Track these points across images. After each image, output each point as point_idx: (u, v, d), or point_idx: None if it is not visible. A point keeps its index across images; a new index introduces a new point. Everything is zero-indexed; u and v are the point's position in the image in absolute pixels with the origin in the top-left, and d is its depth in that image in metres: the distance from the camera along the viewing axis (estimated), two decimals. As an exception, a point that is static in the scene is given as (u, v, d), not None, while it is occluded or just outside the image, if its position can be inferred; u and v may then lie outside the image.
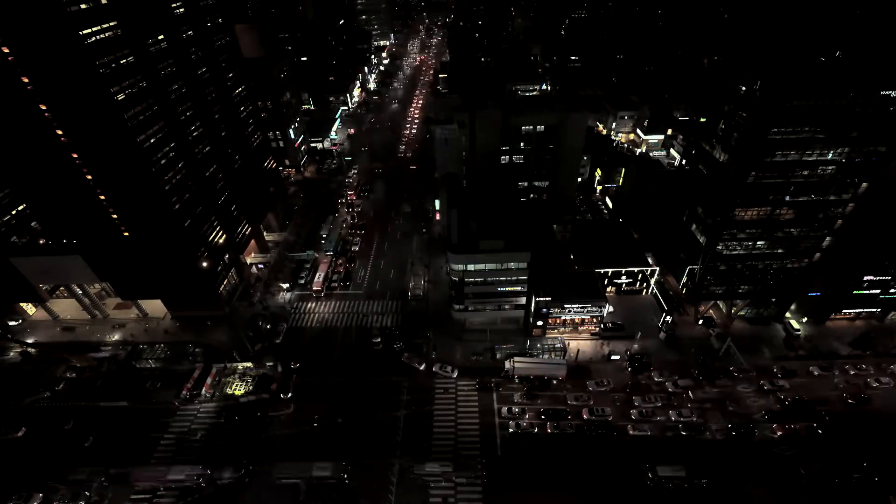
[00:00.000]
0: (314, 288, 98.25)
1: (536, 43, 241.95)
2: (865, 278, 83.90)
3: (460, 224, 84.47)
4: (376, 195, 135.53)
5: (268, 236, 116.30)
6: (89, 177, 72.54)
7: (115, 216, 77.14)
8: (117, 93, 66.49)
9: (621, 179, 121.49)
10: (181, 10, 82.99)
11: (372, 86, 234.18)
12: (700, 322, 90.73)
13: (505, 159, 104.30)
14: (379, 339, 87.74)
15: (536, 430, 72.52)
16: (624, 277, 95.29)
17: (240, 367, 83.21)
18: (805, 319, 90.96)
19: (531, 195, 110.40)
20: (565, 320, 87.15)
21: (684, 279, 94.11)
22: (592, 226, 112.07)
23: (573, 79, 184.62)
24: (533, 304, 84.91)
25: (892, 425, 72.01)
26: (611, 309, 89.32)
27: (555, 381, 79.75)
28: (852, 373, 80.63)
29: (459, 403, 76.89)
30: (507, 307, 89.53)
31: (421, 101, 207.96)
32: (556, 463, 68.15)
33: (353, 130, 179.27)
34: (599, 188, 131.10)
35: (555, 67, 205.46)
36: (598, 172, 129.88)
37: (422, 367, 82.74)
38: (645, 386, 79.30)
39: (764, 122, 68.17)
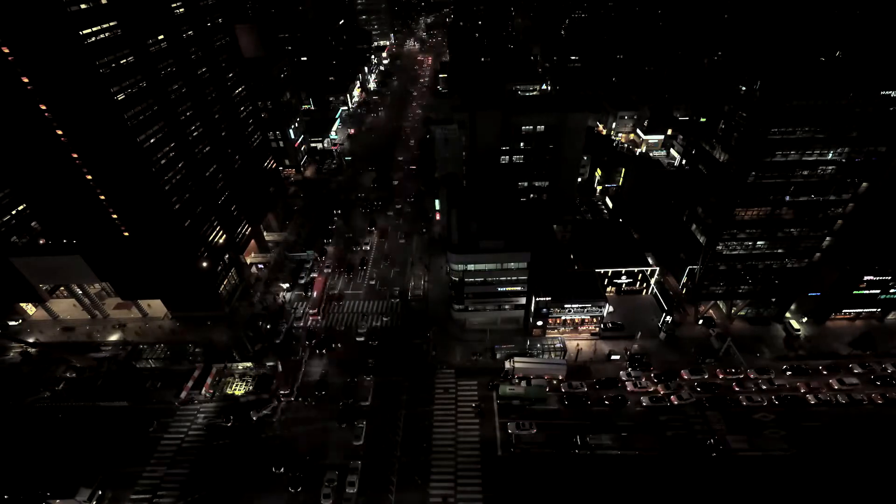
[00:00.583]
0: (310, 311, 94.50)
1: (536, 43, 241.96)
2: (865, 278, 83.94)
3: (460, 224, 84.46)
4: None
5: (268, 236, 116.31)
6: (89, 177, 72.56)
7: (115, 216, 77.15)
8: (117, 93, 66.49)
9: (621, 179, 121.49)
10: (181, 10, 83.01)
11: (372, 86, 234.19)
12: (700, 322, 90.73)
13: (505, 159, 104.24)
14: (363, 336, 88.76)
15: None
16: (624, 277, 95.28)
17: (240, 367, 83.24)
18: (805, 319, 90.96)
19: (531, 195, 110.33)
20: (565, 320, 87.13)
21: (684, 279, 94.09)
22: (592, 226, 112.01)
23: (573, 79, 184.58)
24: (533, 304, 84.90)
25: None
26: (611, 309, 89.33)
27: (555, 382, 79.88)
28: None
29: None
30: (507, 307, 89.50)
31: (422, 101, 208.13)
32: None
33: (353, 130, 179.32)
34: (599, 188, 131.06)
35: (555, 67, 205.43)
36: (598, 172, 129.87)
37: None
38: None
39: (764, 122, 68.16)
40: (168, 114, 78.17)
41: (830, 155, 71.06)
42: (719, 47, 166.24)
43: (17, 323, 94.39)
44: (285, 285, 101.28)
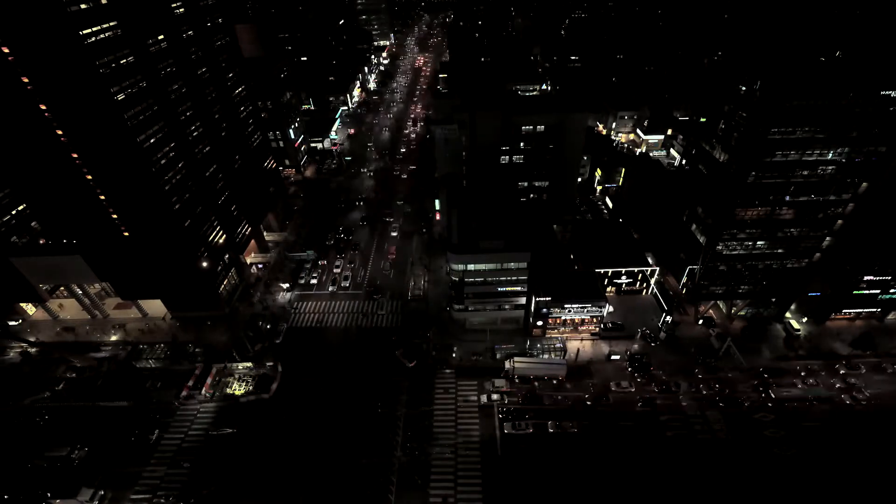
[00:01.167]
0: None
1: (536, 43, 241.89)
2: (865, 278, 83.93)
3: (460, 224, 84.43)
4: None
5: (268, 236, 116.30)
6: (89, 177, 72.55)
7: (115, 216, 77.14)
8: (117, 93, 66.49)
9: (621, 179, 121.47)
10: (181, 10, 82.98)
11: (372, 86, 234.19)
12: (700, 322, 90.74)
13: (505, 159, 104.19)
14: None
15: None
16: (624, 277, 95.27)
17: (240, 367, 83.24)
18: (805, 319, 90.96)
19: (531, 195, 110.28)
20: (565, 320, 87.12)
21: (684, 279, 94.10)
22: (592, 226, 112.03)
23: (573, 79, 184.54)
24: (533, 304, 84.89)
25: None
26: (611, 309, 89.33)
27: (555, 381, 79.86)
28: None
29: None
30: (507, 307, 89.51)
31: (421, 101, 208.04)
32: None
33: (353, 130, 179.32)
34: (599, 188, 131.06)
35: (555, 67, 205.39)
36: (598, 172, 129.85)
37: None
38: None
39: (764, 122, 68.14)
40: (168, 114, 78.15)
41: (830, 155, 71.03)
42: (719, 47, 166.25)
43: (17, 323, 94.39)
44: (285, 285, 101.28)
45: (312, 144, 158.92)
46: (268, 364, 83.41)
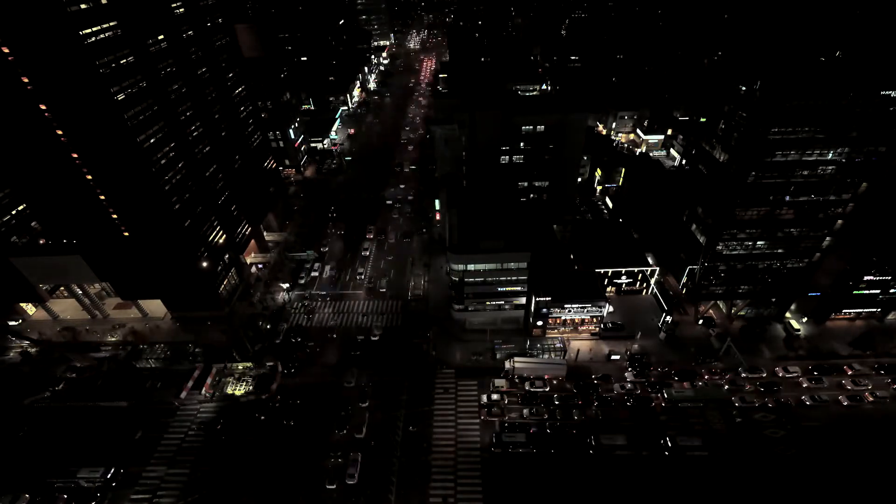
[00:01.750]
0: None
1: (536, 43, 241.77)
2: (865, 278, 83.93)
3: (460, 224, 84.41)
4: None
5: (268, 236, 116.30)
6: (89, 177, 72.56)
7: (115, 216, 77.16)
8: (117, 93, 66.49)
9: (621, 179, 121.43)
10: (181, 10, 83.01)
11: (372, 86, 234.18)
12: (700, 322, 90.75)
13: (505, 159, 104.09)
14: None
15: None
16: (624, 277, 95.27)
17: (240, 367, 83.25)
18: (805, 319, 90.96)
19: (531, 195, 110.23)
20: (565, 320, 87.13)
21: (684, 279, 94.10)
22: (592, 226, 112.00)
23: (573, 79, 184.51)
24: (533, 304, 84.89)
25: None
26: (611, 309, 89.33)
27: (555, 381, 79.86)
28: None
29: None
30: (507, 307, 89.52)
31: (421, 101, 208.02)
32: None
33: (353, 130, 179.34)
34: (599, 188, 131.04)
35: (555, 67, 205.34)
36: (598, 172, 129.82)
37: None
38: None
39: (764, 122, 68.17)
40: (168, 114, 78.17)
41: (830, 155, 71.07)
42: (719, 47, 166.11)
43: (17, 323, 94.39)
44: (285, 285, 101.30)
45: (312, 144, 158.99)
46: (268, 364, 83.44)
